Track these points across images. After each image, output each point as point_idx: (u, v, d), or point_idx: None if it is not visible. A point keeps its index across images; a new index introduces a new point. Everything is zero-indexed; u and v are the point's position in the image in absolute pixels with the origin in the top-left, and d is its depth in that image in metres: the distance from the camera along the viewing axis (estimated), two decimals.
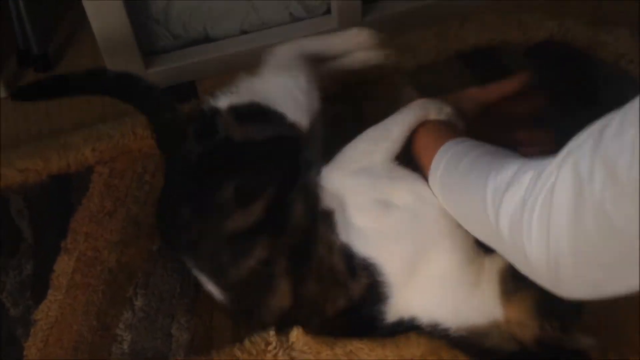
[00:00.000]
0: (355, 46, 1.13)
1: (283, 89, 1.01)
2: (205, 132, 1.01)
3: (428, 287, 0.85)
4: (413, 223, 0.85)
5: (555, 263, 0.58)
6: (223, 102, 1.02)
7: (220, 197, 0.93)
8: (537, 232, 0.59)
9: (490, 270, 0.83)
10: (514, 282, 0.80)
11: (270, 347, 0.94)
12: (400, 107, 1.07)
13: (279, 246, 0.88)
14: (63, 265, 1.09)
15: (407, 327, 0.87)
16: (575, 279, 0.59)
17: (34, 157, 1.25)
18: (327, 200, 0.90)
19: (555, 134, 1.21)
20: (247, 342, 0.95)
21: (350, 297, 0.85)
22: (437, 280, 0.84)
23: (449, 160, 0.81)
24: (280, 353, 0.93)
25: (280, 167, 0.95)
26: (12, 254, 1.12)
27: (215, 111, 1.01)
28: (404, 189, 0.87)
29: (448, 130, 0.91)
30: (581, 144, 0.55)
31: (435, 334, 0.88)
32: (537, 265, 0.61)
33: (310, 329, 0.93)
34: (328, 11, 1.52)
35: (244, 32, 1.52)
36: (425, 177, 0.87)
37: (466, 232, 0.84)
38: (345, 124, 1.25)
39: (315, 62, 1.11)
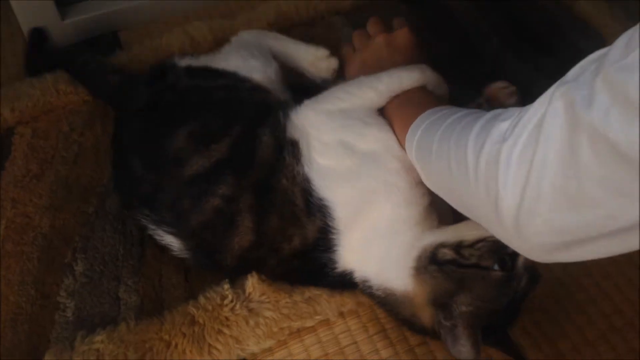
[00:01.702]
0: (312, 60, 1.13)
1: (239, 57, 1.04)
2: (155, 81, 1.01)
3: (365, 238, 0.83)
4: (370, 170, 0.84)
5: (528, 210, 0.56)
6: (182, 61, 1.03)
7: (172, 146, 0.89)
8: (515, 173, 0.57)
9: (420, 242, 0.81)
10: (429, 263, 0.79)
11: (226, 301, 0.91)
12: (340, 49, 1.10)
13: (245, 181, 0.85)
14: None
15: (350, 281, 0.86)
16: (543, 228, 0.56)
17: None
18: (296, 131, 0.88)
19: (496, 67, 1.23)
20: (201, 299, 0.91)
21: (305, 237, 0.83)
22: (373, 232, 0.83)
23: (428, 127, 0.79)
24: (237, 306, 0.90)
25: (243, 108, 0.93)
26: None
27: (173, 66, 1.01)
28: (373, 136, 0.86)
29: (428, 98, 0.90)
30: (575, 76, 0.53)
31: (364, 290, 0.87)
32: (505, 214, 0.59)
33: (266, 270, 0.90)
34: None
35: None
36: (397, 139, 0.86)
37: (421, 196, 0.83)
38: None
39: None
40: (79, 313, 0.91)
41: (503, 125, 0.62)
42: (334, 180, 0.84)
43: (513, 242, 0.63)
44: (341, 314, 0.92)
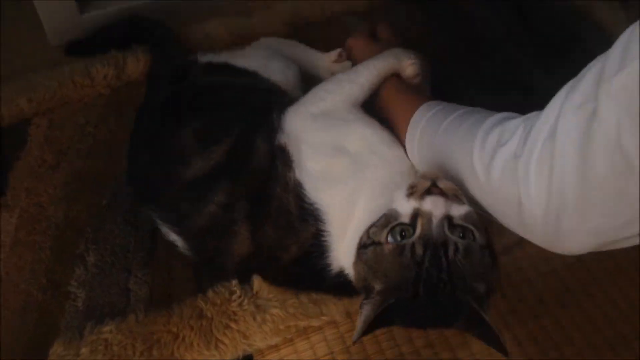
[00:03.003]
0: (327, 64, 1.15)
1: (260, 57, 1.06)
2: (177, 78, 1.03)
3: (352, 237, 0.80)
4: (356, 169, 0.82)
5: (556, 217, 0.57)
6: (204, 58, 1.04)
7: (179, 142, 0.90)
8: (536, 184, 0.58)
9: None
10: (358, 248, 0.77)
11: (234, 297, 0.92)
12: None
13: (241, 189, 0.85)
14: (4, 223, 1.01)
15: (345, 279, 0.83)
16: (578, 230, 0.57)
17: None
18: (284, 137, 0.87)
19: (510, 68, 1.23)
20: (210, 293, 0.92)
21: (301, 244, 0.82)
22: (357, 230, 0.79)
23: (428, 122, 0.79)
24: (245, 302, 0.91)
25: (246, 111, 0.93)
26: None
27: (194, 62, 1.03)
28: (356, 134, 0.85)
29: (418, 92, 0.90)
30: (583, 84, 0.54)
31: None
32: (532, 222, 0.60)
33: (268, 278, 0.91)
34: None
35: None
36: (395, 133, 0.86)
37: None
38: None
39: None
40: (89, 303, 0.93)
41: (511, 141, 0.62)
42: (324, 183, 0.82)
43: (543, 243, 0.63)
44: (348, 314, 0.92)
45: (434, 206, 0.70)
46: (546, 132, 0.57)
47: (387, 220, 0.72)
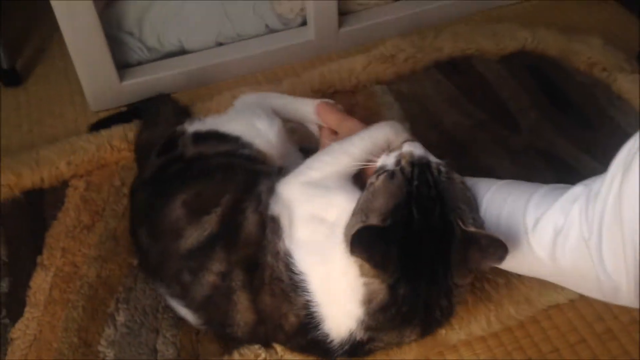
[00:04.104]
0: (311, 115, 1.09)
1: (243, 120, 1.04)
2: (165, 150, 1.02)
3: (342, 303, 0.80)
4: (331, 240, 0.80)
5: (636, 285, 0.60)
6: (191, 127, 1.03)
7: (170, 215, 0.91)
8: (612, 265, 0.62)
9: None
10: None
11: (259, 359, 0.92)
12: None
13: (235, 258, 0.86)
14: (40, 281, 1.05)
15: (351, 343, 0.81)
16: None
17: (6, 172, 1.21)
18: (277, 207, 0.87)
19: (534, 138, 1.26)
20: (235, 355, 0.94)
21: (297, 313, 0.82)
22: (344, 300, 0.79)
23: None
24: None
25: (235, 178, 0.93)
26: None
27: (182, 133, 1.02)
28: (338, 205, 0.84)
29: None
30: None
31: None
32: (614, 294, 0.64)
33: (280, 344, 0.91)
34: (304, 23, 1.52)
35: (220, 44, 1.51)
36: None
37: None
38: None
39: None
40: None
41: (571, 226, 0.66)
42: (308, 253, 0.82)
43: (630, 305, 0.66)
44: None
45: (413, 147, 0.80)
46: (611, 216, 0.60)
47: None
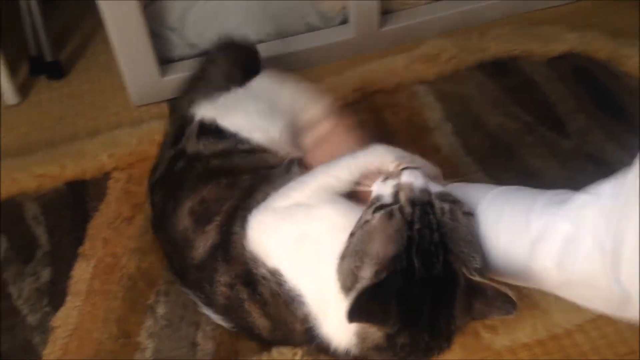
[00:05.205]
0: (315, 112, 1.06)
1: (244, 114, 1.00)
2: (176, 140, 1.01)
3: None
4: (320, 252, 0.77)
5: None
6: (199, 112, 1.00)
7: (179, 225, 0.90)
8: (629, 268, 0.59)
9: None
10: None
11: (297, 357, 0.92)
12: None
13: (234, 272, 0.84)
14: (81, 272, 1.06)
15: (348, 354, 0.78)
16: None
17: (50, 163, 1.23)
18: (251, 241, 0.83)
19: (583, 143, 1.23)
20: (274, 352, 0.93)
21: (302, 321, 0.80)
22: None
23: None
24: None
25: (239, 184, 0.90)
26: (27, 261, 1.09)
27: (192, 119, 1.00)
28: (319, 219, 0.80)
29: None
30: None
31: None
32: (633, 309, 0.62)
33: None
34: (345, 21, 1.51)
35: (260, 42, 1.51)
36: None
37: None
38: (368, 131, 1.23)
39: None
40: (157, 355, 0.94)
41: (585, 236, 0.64)
42: (296, 272, 0.80)
43: None
44: None
45: (413, 177, 0.71)
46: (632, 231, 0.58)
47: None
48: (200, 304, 0.92)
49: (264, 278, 0.81)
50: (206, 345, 0.95)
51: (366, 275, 0.68)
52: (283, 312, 0.81)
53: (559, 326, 0.96)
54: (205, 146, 0.97)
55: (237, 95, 1.05)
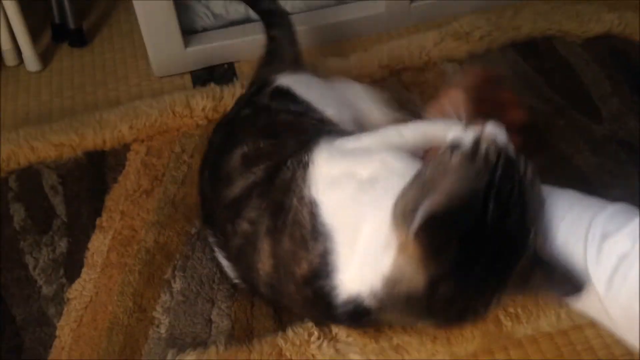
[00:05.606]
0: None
1: (318, 92, 1.02)
2: (254, 92, 1.05)
3: (361, 260, 0.75)
4: (367, 190, 0.77)
5: None
6: (278, 80, 1.02)
7: (229, 164, 0.91)
8: None
9: None
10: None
11: (312, 338, 0.90)
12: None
13: (265, 203, 0.84)
14: (98, 244, 1.04)
15: (356, 305, 0.76)
16: None
17: (69, 132, 1.21)
18: (312, 159, 0.83)
19: (617, 128, 1.18)
20: (290, 332, 0.92)
21: (311, 262, 0.78)
22: (365, 251, 0.74)
23: None
24: (324, 344, 0.90)
25: (299, 138, 0.90)
26: (44, 231, 1.08)
27: (271, 82, 1.02)
28: (378, 160, 0.79)
29: None
30: None
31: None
32: None
33: (289, 299, 0.86)
34: None
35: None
36: None
37: None
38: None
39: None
40: (172, 331, 0.93)
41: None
42: (337, 206, 0.78)
43: None
44: None
45: (497, 132, 0.67)
46: None
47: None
48: (215, 247, 0.93)
49: (300, 203, 0.80)
50: (221, 323, 0.93)
51: (437, 202, 0.64)
52: (296, 246, 0.79)
53: (584, 317, 0.93)
54: (276, 104, 0.99)
55: (316, 79, 1.08)
